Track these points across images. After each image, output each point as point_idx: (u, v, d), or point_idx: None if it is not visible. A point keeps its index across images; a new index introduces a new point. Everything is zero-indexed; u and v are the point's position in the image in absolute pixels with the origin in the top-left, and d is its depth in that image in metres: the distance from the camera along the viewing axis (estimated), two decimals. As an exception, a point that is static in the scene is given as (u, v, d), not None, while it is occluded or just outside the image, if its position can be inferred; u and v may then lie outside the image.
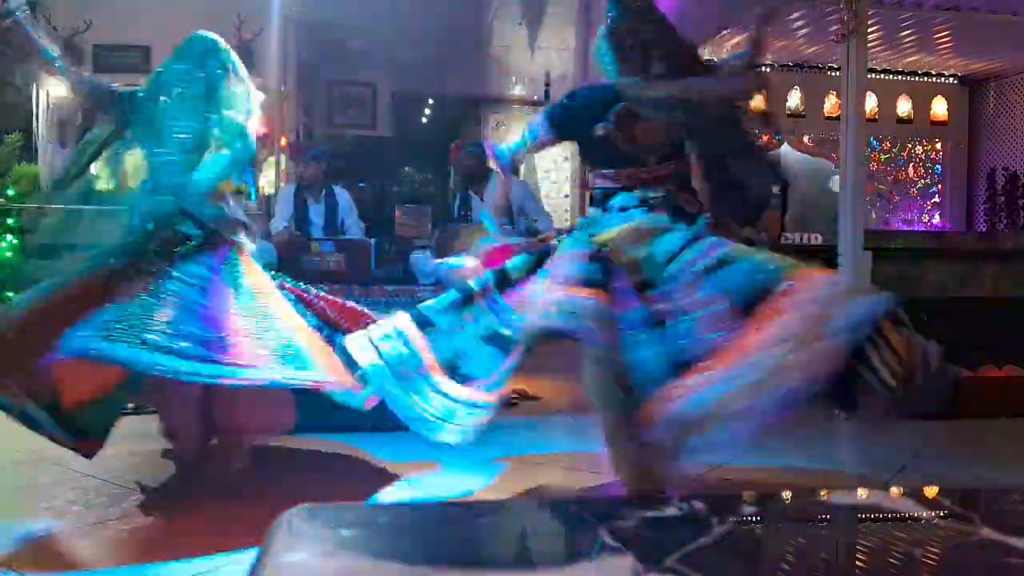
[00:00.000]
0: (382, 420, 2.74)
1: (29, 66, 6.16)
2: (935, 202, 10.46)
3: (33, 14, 3.12)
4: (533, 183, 10.22)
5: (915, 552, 0.79)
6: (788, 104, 9.66)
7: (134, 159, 7.65)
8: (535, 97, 10.05)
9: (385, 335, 2.63)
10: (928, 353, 2.58)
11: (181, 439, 3.11)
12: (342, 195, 5.61)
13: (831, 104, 9.46)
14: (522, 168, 10.30)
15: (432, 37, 7.89)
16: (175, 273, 2.76)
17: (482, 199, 5.09)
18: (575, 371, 2.74)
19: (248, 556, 2.20)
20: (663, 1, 2.92)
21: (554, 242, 2.88)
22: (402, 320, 2.68)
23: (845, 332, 2.14)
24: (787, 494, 1.16)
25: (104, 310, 2.60)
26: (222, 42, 3.12)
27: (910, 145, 10.39)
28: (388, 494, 3.01)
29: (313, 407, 2.96)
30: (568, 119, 2.88)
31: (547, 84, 9.29)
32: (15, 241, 5.60)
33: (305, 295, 3.14)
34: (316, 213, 5.51)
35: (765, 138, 10.14)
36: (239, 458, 3.14)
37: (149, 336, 2.50)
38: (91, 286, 2.78)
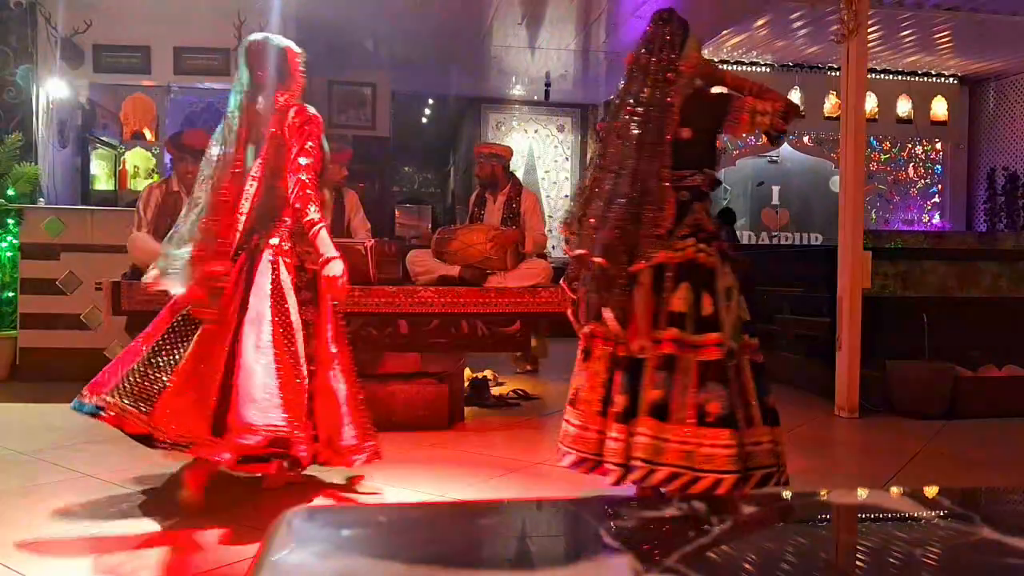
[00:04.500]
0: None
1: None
2: (935, 202, 10.46)
3: (33, 14, 3.02)
4: (533, 183, 10.21)
5: (915, 552, 0.79)
6: (788, 104, 9.64)
7: (133, 158, 7.62)
8: (535, 97, 10.05)
9: None
10: None
11: None
12: (348, 195, 5.58)
13: (831, 104, 9.46)
14: (521, 171, 10.30)
15: (432, 37, 7.89)
16: None
17: (495, 202, 5.14)
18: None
19: (247, 555, 2.20)
20: (664, 1, 2.91)
21: None
22: None
23: None
24: (787, 494, 1.16)
25: None
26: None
27: (910, 145, 10.39)
28: (387, 494, 3.01)
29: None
30: None
31: (547, 84, 9.29)
32: (15, 241, 5.60)
33: None
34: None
35: (764, 139, 10.16)
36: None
37: None
38: None
